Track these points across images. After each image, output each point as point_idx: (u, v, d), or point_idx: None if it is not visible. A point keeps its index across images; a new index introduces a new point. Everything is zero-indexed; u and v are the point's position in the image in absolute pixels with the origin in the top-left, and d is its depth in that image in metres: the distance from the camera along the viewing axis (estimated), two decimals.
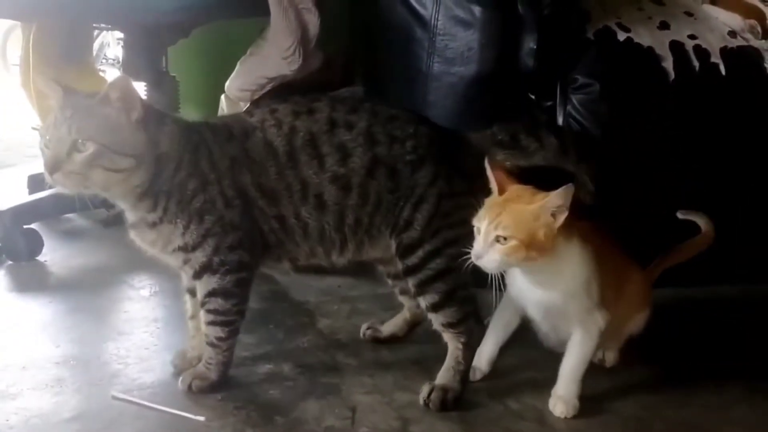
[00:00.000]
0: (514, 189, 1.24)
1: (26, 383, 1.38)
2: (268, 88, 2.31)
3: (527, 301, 1.32)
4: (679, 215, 1.54)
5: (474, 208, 1.24)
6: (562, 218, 1.18)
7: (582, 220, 1.27)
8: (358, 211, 1.34)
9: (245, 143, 1.33)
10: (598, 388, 1.40)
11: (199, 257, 1.30)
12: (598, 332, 1.31)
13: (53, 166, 1.18)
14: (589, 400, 1.33)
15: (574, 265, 1.26)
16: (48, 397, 1.33)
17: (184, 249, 1.30)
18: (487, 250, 1.18)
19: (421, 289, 1.34)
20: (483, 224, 1.20)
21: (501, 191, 1.24)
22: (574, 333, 1.32)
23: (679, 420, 1.33)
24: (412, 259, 1.33)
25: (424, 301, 1.35)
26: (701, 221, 1.53)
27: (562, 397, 1.31)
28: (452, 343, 1.36)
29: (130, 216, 1.32)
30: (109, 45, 5.06)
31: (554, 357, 1.36)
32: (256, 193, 1.32)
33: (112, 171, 1.21)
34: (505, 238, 1.17)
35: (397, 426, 1.27)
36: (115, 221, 2.44)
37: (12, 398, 1.32)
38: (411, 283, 1.36)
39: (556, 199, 1.18)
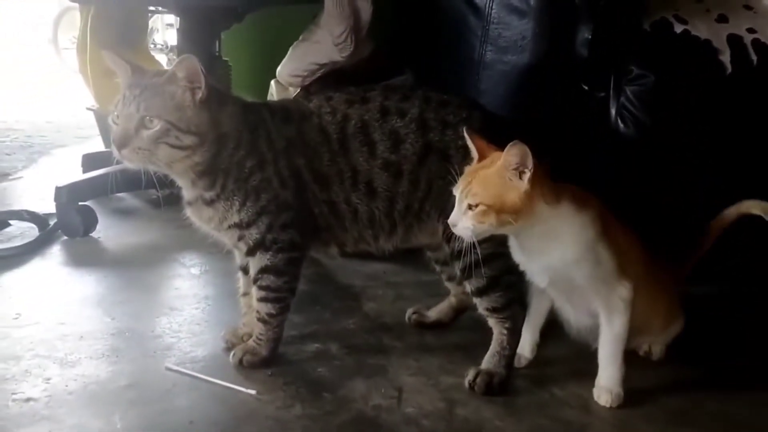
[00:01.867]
0: (491, 156, 1.22)
1: (84, 352, 1.43)
2: (318, 74, 2.33)
3: (530, 270, 1.31)
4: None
5: None
6: (526, 178, 1.17)
7: (582, 191, 1.27)
8: (409, 197, 1.36)
9: (301, 127, 1.36)
10: (644, 381, 1.39)
11: (253, 234, 1.33)
12: (624, 305, 1.29)
13: (122, 142, 1.23)
14: (634, 392, 1.32)
15: (568, 229, 1.24)
16: (105, 366, 1.38)
17: (239, 226, 1.33)
18: (460, 218, 1.19)
19: (467, 273, 1.35)
20: (457, 192, 1.21)
21: (481, 159, 1.23)
22: (600, 314, 1.31)
23: (722, 414, 1.31)
24: (459, 243, 1.34)
25: (470, 285, 1.37)
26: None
27: (605, 386, 1.31)
28: (497, 328, 1.37)
29: (188, 194, 1.36)
30: (158, 30, 5.14)
31: None
32: (308, 176, 1.35)
33: (176, 148, 1.24)
34: (476, 205, 1.18)
35: (443, 407, 1.28)
36: (164, 202, 2.51)
37: (71, 366, 1.37)
38: (457, 267, 1.37)
39: (509, 157, 1.16)
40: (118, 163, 1.27)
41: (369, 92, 1.40)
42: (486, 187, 1.18)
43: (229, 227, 1.34)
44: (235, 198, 1.32)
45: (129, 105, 1.23)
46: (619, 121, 1.71)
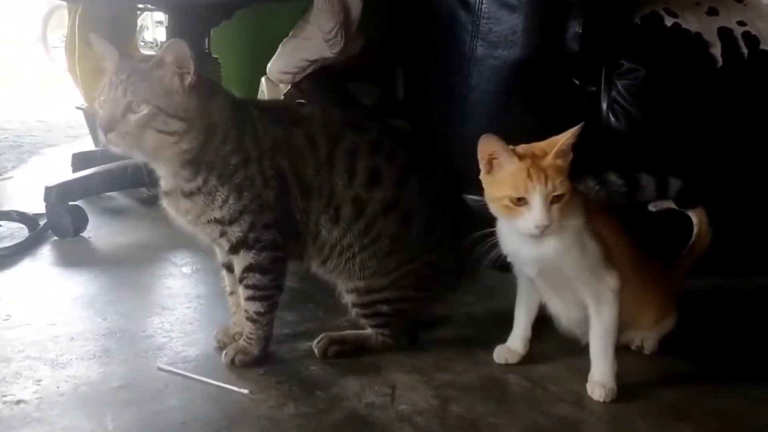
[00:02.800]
0: (523, 150, 1.22)
1: (75, 353, 1.42)
2: (309, 70, 2.33)
3: (520, 260, 1.31)
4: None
5: None
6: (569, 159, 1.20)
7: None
8: (358, 239, 1.37)
9: (290, 130, 1.35)
10: (638, 375, 1.39)
11: (236, 231, 1.33)
12: (613, 296, 1.28)
13: (108, 126, 1.21)
14: (629, 387, 1.32)
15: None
16: (96, 367, 1.37)
17: (221, 222, 1.32)
18: (547, 215, 1.17)
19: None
20: (535, 192, 1.17)
21: (520, 157, 1.21)
22: (589, 305, 1.30)
23: (718, 409, 1.31)
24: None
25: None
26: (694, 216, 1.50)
27: (599, 381, 1.31)
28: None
29: (166, 183, 1.34)
30: (147, 28, 5.12)
31: None
32: (293, 179, 1.34)
33: (164, 133, 1.23)
34: (562, 195, 1.18)
35: (437, 404, 1.28)
36: (155, 200, 2.49)
37: (62, 367, 1.36)
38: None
39: (571, 137, 1.19)
40: (104, 150, 1.26)
41: (368, 122, 1.40)
42: (560, 175, 1.18)
43: (208, 222, 1.33)
44: (217, 193, 1.30)
45: (116, 89, 1.21)
46: (611, 115, 1.71)
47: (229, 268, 1.43)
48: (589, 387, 1.32)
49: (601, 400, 1.29)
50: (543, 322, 1.44)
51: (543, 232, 1.19)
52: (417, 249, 1.40)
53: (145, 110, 1.20)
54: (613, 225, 1.33)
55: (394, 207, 1.37)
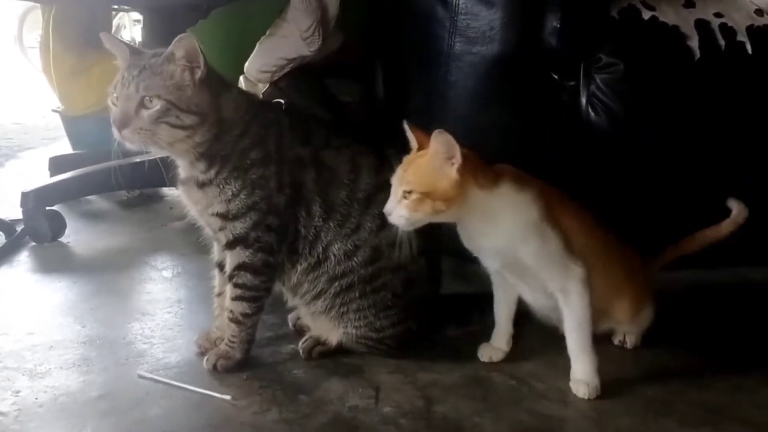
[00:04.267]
0: (428, 146, 1.23)
1: (54, 362, 1.40)
2: (287, 69, 2.31)
3: (480, 254, 1.32)
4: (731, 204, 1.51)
5: None
6: (455, 167, 1.18)
7: (522, 172, 1.28)
8: (360, 283, 1.36)
9: (322, 151, 1.35)
10: (622, 370, 1.39)
11: (238, 227, 1.32)
12: (580, 287, 1.28)
13: (122, 123, 1.22)
14: (613, 382, 1.33)
15: (507, 210, 1.25)
16: (75, 377, 1.35)
17: (224, 216, 1.32)
18: (395, 207, 1.21)
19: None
20: (393, 181, 1.23)
21: (420, 149, 1.25)
22: (559, 299, 1.30)
23: (702, 402, 1.31)
24: None
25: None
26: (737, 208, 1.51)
27: (582, 379, 1.30)
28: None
29: (183, 172, 1.35)
30: (125, 27, 5.07)
31: None
32: (314, 194, 1.34)
33: (177, 127, 1.24)
34: (409, 192, 1.19)
35: (421, 405, 1.27)
36: (134, 203, 2.47)
37: (41, 377, 1.34)
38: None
39: (436, 145, 1.18)
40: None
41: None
42: (419, 175, 1.20)
43: (214, 214, 1.33)
44: (227, 186, 1.30)
45: (128, 86, 1.22)
46: (590, 109, 1.70)
47: (222, 267, 1.42)
48: (572, 385, 1.31)
49: (586, 397, 1.29)
50: (526, 318, 1.44)
51: (401, 224, 1.22)
52: (412, 307, 1.41)
53: (157, 105, 1.22)
54: (579, 215, 1.33)
55: (403, 270, 1.37)
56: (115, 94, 1.24)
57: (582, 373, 1.31)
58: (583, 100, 1.70)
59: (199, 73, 1.24)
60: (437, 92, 1.77)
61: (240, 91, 1.37)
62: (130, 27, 4.98)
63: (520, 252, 1.26)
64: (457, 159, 1.18)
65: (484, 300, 1.45)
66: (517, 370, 1.40)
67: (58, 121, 3.83)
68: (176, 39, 1.24)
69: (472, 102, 1.68)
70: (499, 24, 1.68)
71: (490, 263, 1.33)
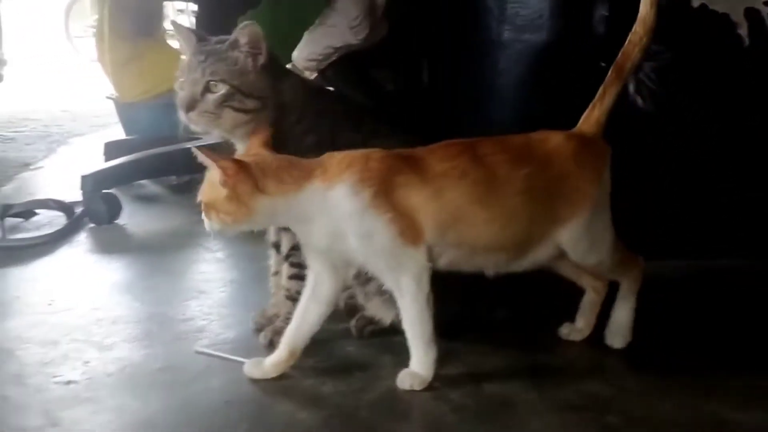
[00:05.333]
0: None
1: (118, 336, 1.47)
2: (334, 57, 2.36)
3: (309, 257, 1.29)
4: None
5: None
6: (224, 182, 1.14)
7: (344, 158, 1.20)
8: None
9: (372, 139, 1.35)
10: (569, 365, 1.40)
11: None
12: (414, 284, 1.22)
13: (189, 105, 1.29)
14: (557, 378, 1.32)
15: (316, 209, 1.18)
16: (139, 350, 1.42)
17: None
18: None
19: None
20: None
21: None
22: (394, 292, 1.25)
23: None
24: None
25: None
26: None
27: (412, 371, 1.27)
28: None
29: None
30: (168, 16, 5.17)
31: None
32: None
33: (240, 111, 1.30)
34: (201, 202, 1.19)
35: (470, 382, 1.30)
36: (184, 188, 2.55)
37: (108, 349, 1.41)
38: None
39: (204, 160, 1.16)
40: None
41: None
42: (208, 187, 1.18)
43: None
44: None
45: (195, 71, 1.29)
46: (638, 97, 1.72)
47: (277, 246, 1.47)
48: (400, 376, 1.27)
49: (410, 388, 1.25)
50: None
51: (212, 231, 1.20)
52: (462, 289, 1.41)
53: (222, 90, 1.28)
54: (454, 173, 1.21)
55: None
56: (182, 79, 1.31)
57: (416, 365, 1.27)
58: (631, 88, 1.71)
59: (261, 60, 1.30)
60: (485, 80, 1.80)
61: (298, 77, 1.43)
62: (173, 16, 5.07)
63: (340, 247, 1.21)
64: (217, 173, 1.14)
65: (531, 283, 1.47)
66: (567, 349, 1.43)
67: (105, 108, 3.93)
68: (240, 26, 1.29)
69: (520, 90, 1.70)
70: (548, 12, 1.70)
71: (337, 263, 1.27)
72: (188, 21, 5.59)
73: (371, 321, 1.46)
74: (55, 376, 1.30)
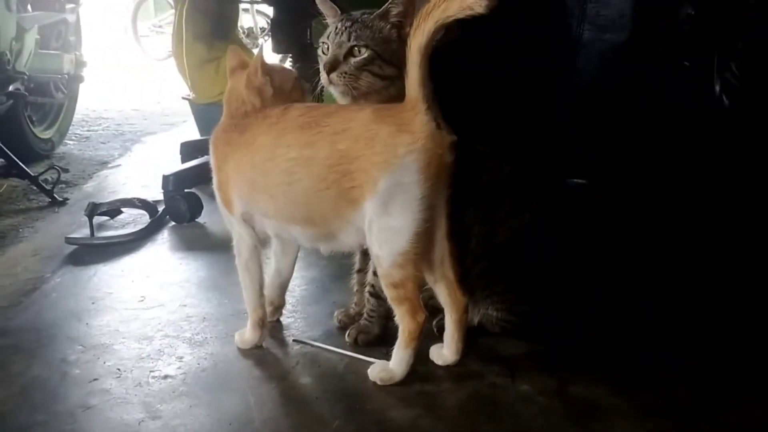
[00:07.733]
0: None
1: (209, 332, 1.52)
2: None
3: None
4: None
5: None
6: None
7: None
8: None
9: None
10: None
11: None
12: (236, 237, 1.46)
13: (331, 67, 1.36)
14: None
15: None
16: (230, 346, 1.46)
17: None
18: None
19: None
20: None
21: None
22: None
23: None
24: None
25: None
26: None
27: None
28: None
29: None
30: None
31: None
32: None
33: (378, 77, 1.36)
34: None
35: (556, 384, 1.31)
36: None
37: (199, 345, 1.47)
38: None
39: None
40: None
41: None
42: None
43: None
44: None
45: (341, 35, 1.37)
46: (723, 96, 1.68)
47: None
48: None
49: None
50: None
51: None
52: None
53: (365, 54, 1.35)
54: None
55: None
56: (326, 44, 1.39)
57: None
58: (717, 87, 1.68)
59: (405, 31, 1.34)
60: (564, 80, 1.79)
61: None
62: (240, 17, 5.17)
63: None
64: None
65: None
66: (651, 354, 1.42)
67: (174, 108, 4.04)
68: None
69: (600, 89, 1.68)
70: (630, 11, 1.68)
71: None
72: (252, 20, 5.71)
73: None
74: (152, 371, 1.36)
